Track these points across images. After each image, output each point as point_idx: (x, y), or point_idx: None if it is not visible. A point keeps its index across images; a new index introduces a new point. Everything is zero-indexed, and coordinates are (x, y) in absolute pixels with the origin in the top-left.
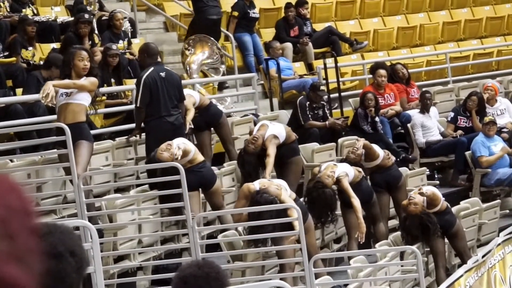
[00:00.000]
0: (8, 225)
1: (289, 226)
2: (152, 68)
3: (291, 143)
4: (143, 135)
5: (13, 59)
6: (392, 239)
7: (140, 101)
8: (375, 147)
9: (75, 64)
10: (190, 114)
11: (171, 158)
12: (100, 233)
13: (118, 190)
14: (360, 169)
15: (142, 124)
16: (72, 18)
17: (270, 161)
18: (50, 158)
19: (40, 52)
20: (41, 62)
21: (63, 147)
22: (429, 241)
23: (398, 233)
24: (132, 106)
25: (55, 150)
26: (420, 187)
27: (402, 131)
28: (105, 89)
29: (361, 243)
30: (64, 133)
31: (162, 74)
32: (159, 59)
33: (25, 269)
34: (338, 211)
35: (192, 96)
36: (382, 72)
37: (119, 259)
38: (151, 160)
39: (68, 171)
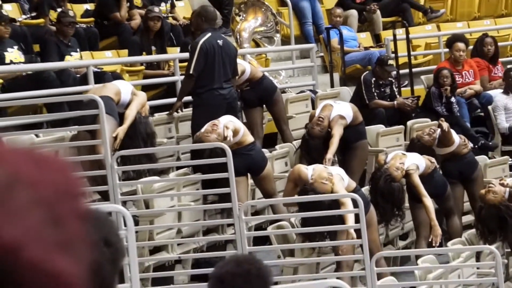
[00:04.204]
0: (55, 209)
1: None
2: (209, 34)
3: (357, 125)
4: (186, 110)
5: (41, 20)
6: (467, 237)
7: (194, 69)
8: (451, 131)
9: None
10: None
11: (220, 140)
12: (135, 221)
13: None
14: (433, 159)
15: (187, 97)
16: None
17: (335, 140)
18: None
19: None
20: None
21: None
22: (507, 238)
23: (474, 230)
24: (174, 78)
25: (88, 125)
26: (501, 178)
27: (482, 114)
28: (144, 57)
29: (436, 246)
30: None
31: (220, 42)
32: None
33: (73, 260)
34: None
35: (241, 64)
36: (461, 45)
37: (155, 250)
38: (196, 141)
39: (90, 151)
